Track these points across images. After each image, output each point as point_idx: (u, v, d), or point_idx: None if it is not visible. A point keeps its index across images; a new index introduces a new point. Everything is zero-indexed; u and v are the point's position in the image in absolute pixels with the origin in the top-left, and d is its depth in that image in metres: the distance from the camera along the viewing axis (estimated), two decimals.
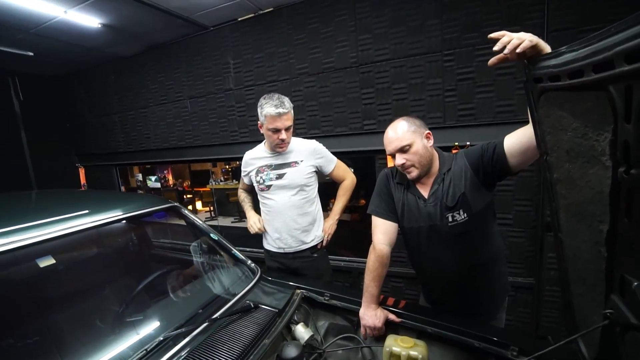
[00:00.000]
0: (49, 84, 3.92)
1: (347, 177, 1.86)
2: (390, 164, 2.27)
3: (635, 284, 0.53)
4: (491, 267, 1.28)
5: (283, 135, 1.59)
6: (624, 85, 0.44)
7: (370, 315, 1.18)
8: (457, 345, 1.07)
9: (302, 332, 1.18)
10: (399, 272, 2.39)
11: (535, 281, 2.04)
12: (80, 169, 4.12)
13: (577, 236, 0.70)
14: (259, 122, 1.65)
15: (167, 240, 2.10)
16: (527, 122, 0.99)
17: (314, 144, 1.75)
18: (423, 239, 1.25)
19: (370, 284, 1.22)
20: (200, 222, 1.67)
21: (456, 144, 2.05)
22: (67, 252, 1.28)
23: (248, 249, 2.75)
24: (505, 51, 0.81)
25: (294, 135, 1.75)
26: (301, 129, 2.52)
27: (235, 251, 1.61)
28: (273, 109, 1.55)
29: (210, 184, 6.56)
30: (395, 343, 1.01)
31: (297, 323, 1.22)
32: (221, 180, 6.67)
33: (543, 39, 0.79)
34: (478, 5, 1.93)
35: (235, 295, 1.32)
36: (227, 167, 7.45)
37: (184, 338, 1.04)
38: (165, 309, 1.27)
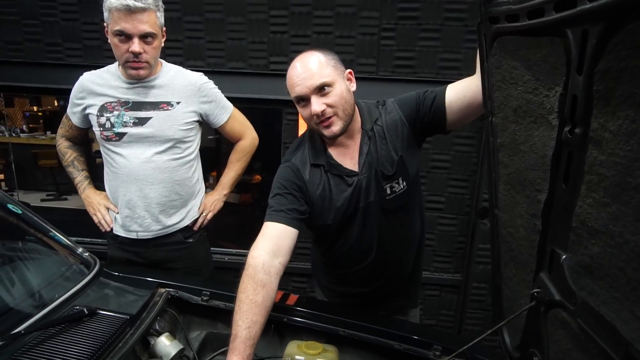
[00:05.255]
0: None
1: (246, 136, 1.87)
2: (302, 127, 2.34)
3: (564, 256, 0.69)
4: (421, 245, 1.52)
5: (136, 46, 1.48)
6: (581, 30, 0.55)
7: None
8: (373, 348, 1.23)
9: (167, 346, 1.18)
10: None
11: (462, 277, 2.44)
12: None
13: (514, 210, 0.88)
14: (104, 23, 1.52)
15: None
16: None
17: (200, 79, 1.71)
18: (356, 225, 1.36)
19: (241, 324, 1.06)
20: None
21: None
22: None
23: (76, 238, 2.52)
24: None
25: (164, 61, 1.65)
26: (174, 57, 2.36)
27: (55, 233, 1.51)
28: None
29: (1, 134, 5.71)
30: (298, 350, 1.10)
31: (159, 334, 1.22)
32: (22, 131, 5.90)
33: None
34: None
35: (54, 299, 1.24)
36: (36, 108, 6.54)
37: None
38: None
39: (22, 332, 1.07)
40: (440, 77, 2.22)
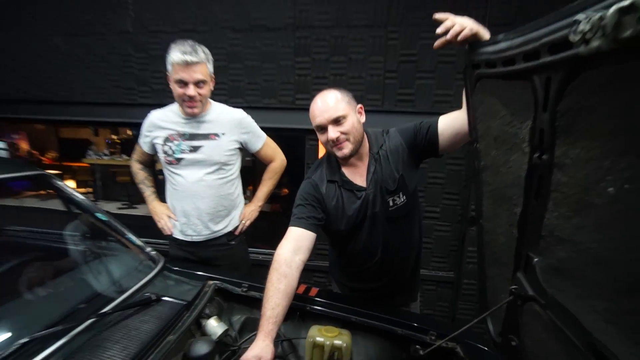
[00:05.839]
0: None
1: (277, 158, 1.89)
2: (321, 150, 2.37)
3: (536, 259, 0.69)
4: (420, 248, 1.50)
5: (191, 90, 1.54)
6: (545, 77, 0.57)
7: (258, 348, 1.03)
8: (380, 333, 1.23)
9: (215, 326, 1.20)
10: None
11: (455, 275, 2.39)
12: None
13: (496, 220, 0.87)
14: (167, 73, 1.58)
15: (28, 228, 1.85)
16: None
17: (240, 114, 1.74)
18: (364, 231, 1.36)
19: (267, 305, 1.10)
20: (82, 196, 1.53)
21: None
22: None
23: (144, 239, 2.58)
24: (447, 36, 0.95)
25: (215, 100, 1.70)
26: (220, 96, 2.43)
27: (130, 235, 1.55)
28: (180, 56, 1.49)
29: (88, 157, 5.86)
30: (318, 333, 1.10)
31: (208, 317, 1.23)
32: (105, 154, 6.07)
33: None
34: None
35: (130, 287, 1.28)
36: (114, 137, 6.73)
37: (60, 338, 0.96)
38: (31, 307, 1.16)
39: (109, 311, 1.13)
40: (435, 110, 2.21)
